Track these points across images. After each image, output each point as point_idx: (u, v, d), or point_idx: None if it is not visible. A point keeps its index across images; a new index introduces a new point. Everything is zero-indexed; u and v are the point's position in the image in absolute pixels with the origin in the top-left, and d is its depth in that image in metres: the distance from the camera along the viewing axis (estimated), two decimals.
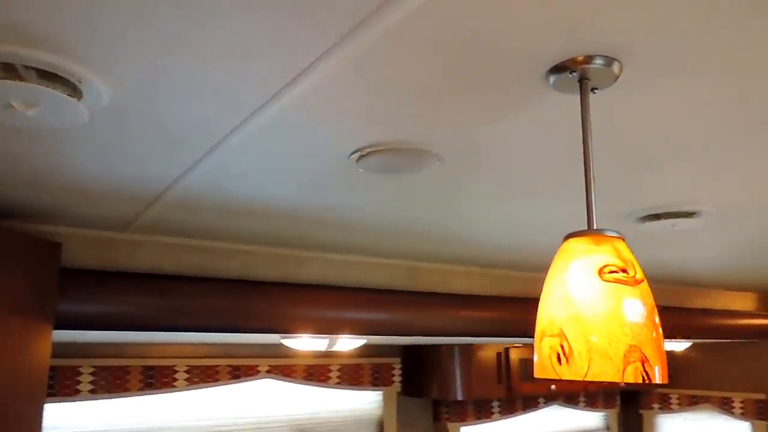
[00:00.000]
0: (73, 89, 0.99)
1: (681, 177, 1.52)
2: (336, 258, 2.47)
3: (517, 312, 2.82)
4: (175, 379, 2.96)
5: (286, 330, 2.23)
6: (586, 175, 0.90)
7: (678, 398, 4.46)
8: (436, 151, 1.30)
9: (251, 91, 1.01)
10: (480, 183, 1.55)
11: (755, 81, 0.99)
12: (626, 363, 0.76)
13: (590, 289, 0.80)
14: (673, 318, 3.46)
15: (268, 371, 3.22)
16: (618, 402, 4.68)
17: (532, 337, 2.90)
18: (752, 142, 1.27)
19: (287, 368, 3.28)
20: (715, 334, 3.66)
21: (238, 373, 3.13)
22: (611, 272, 0.81)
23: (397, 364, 3.69)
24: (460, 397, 3.61)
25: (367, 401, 3.61)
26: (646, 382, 0.77)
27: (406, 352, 3.77)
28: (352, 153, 1.31)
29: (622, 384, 0.71)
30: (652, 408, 4.62)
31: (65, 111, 1.04)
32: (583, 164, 0.90)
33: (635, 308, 0.79)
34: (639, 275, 0.82)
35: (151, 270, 2.08)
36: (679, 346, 3.79)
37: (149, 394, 2.91)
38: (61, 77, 0.96)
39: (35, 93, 0.96)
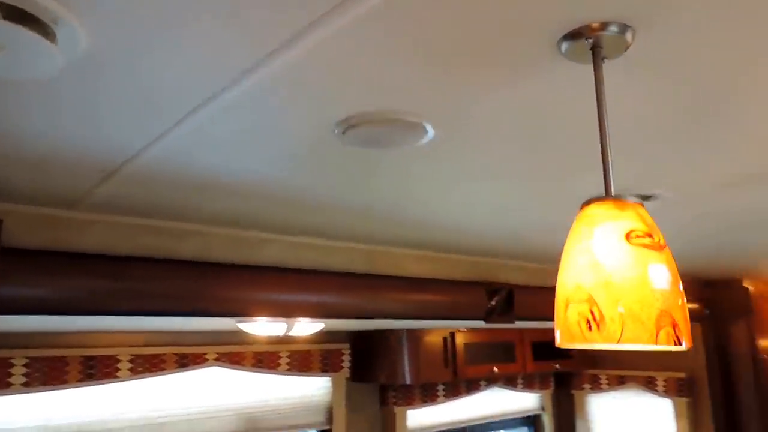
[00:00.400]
0: (45, 31, 0.86)
1: (642, 160, 1.57)
2: (294, 240, 2.40)
3: (470, 295, 2.86)
4: (118, 369, 2.80)
5: (243, 313, 2.15)
6: (602, 142, 0.90)
7: (607, 378, 4.69)
8: (427, 124, 1.28)
9: (241, 50, 0.95)
10: (467, 161, 1.54)
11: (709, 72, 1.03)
12: (659, 327, 0.76)
13: (619, 255, 0.80)
14: None
15: (216, 359, 3.10)
16: (552, 383, 4.87)
17: (483, 320, 2.97)
18: (710, 128, 1.33)
19: (236, 356, 3.18)
20: None
21: (185, 362, 3.00)
22: (638, 237, 0.81)
23: (346, 350, 3.66)
24: (408, 381, 3.63)
25: (316, 387, 3.57)
26: (677, 345, 0.78)
27: (355, 338, 3.75)
28: (339, 123, 1.27)
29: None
30: (583, 388, 4.84)
31: (35, 57, 0.91)
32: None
33: (663, 274, 0.80)
34: (662, 241, 0.83)
35: (101, 252, 1.94)
36: None
37: (90, 385, 2.74)
38: (32, 15, 0.82)
39: (1, 33, 0.83)
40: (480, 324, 3.19)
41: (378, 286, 2.54)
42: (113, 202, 1.83)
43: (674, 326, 0.78)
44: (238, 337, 3.23)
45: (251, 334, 3.25)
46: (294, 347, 3.42)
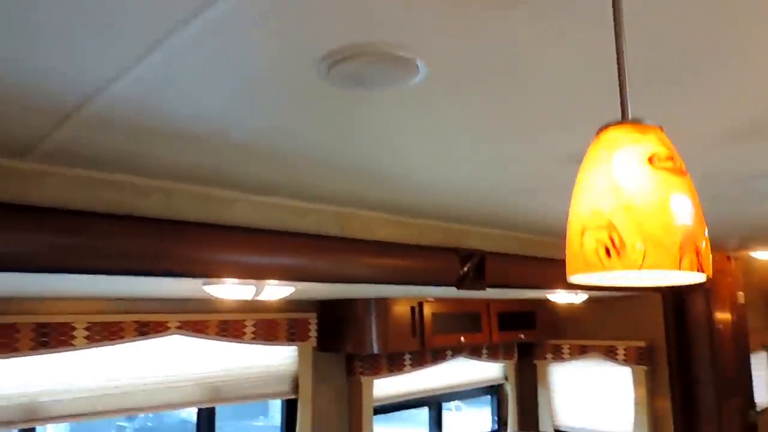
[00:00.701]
0: None
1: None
2: (262, 200, 2.30)
3: (442, 261, 2.82)
4: (74, 337, 2.66)
5: (210, 275, 2.05)
6: (618, 63, 0.85)
7: (569, 348, 4.77)
8: (420, 61, 1.20)
9: None
10: (454, 108, 1.47)
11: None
12: (682, 253, 0.72)
13: (641, 178, 0.75)
14: None
15: (178, 327, 2.99)
16: (516, 353, 4.93)
17: (455, 286, 2.93)
18: (707, 73, 1.30)
19: (200, 324, 3.07)
20: (609, 287, 3.91)
21: (145, 330, 2.88)
22: (660, 161, 0.76)
23: (313, 319, 3.59)
24: (375, 350, 3.59)
25: (282, 357, 3.49)
26: (700, 272, 0.73)
27: (322, 307, 3.68)
28: (326, 57, 1.18)
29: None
30: (546, 358, 4.91)
31: None
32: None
33: (686, 199, 0.75)
34: (684, 166, 0.78)
35: (57, 206, 1.80)
36: (578, 298, 4.02)
37: (43, 353, 2.59)
38: None
39: None
40: (451, 291, 3.16)
41: (350, 250, 2.46)
42: (70, 151, 1.69)
43: (697, 254, 0.73)
44: (202, 304, 3.12)
45: (216, 302, 3.14)
46: (260, 316, 3.32)
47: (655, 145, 0.77)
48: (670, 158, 0.77)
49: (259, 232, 2.21)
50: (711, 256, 0.76)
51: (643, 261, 0.71)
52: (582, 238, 0.77)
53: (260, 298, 2.40)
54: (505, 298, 4.36)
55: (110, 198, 1.91)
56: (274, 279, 2.21)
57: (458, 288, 2.86)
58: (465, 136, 1.70)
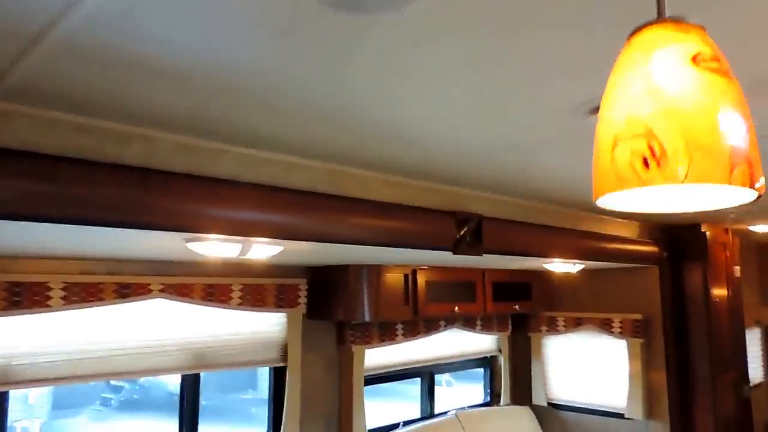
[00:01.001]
0: None
1: None
2: (251, 154, 2.17)
3: (438, 224, 2.71)
4: (49, 298, 2.55)
5: (192, 229, 1.93)
6: None
7: (564, 320, 4.71)
8: None
9: None
10: (459, 44, 1.34)
11: None
12: (733, 164, 0.61)
13: (685, 79, 0.64)
14: (571, 240, 3.55)
15: (161, 290, 2.88)
16: (510, 325, 4.86)
17: (451, 250, 2.83)
18: None
19: (184, 287, 2.96)
20: (606, 257, 3.83)
21: (126, 292, 2.76)
22: (705, 61, 0.65)
23: (302, 285, 3.49)
24: (367, 319, 3.51)
25: (271, 324, 3.40)
26: (752, 188, 0.63)
27: (312, 273, 3.58)
28: None
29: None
30: (540, 330, 4.85)
31: None
32: None
33: (735, 104, 0.64)
34: (730, 70, 0.66)
35: (26, 150, 1.67)
36: (575, 267, 3.94)
37: (16, 314, 2.48)
38: None
39: None
40: (446, 258, 3.06)
41: (342, 209, 2.35)
42: (39, 88, 1.55)
43: (749, 165, 0.62)
44: (187, 267, 3.01)
45: (201, 265, 3.03)
46: (247, 280, 3.22)
47: (698, 44, 0.66)
48: (716, 59, 0.66)
49: (248, 186, 2.08)
50: (761, 168, 0.65)
51: (687, 172, 0.60)
52: (613, 152, 0.66)
53: (247, 257, 2.29)
54: (500, 268, 4.28)
55: (86, 144, 1.78)
56: (262, 236, 2.09)
57: (454, 252, 2.76)
58: (466, 80, 1.57)
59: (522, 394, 4.88)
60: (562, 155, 2.38)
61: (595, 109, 1.80)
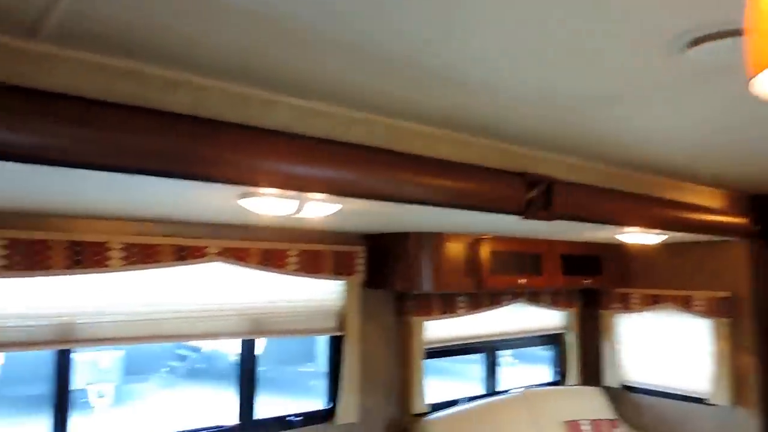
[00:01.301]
0: None
1: None
2: (306, 105, 2.03)
3: (506, 186, 2.50)
4: (109, 258, 2.52)
5: (244, 181, 1.82)
6: None
7: (639, 298, 4.40)
8: None
9: None
10: None
11: None
12: None
13: None
14: (651, 208, 3.25)
15: (218, 254, 2.82)
16: (579, 301, 4.59)
17: (520, 214, 2.63)
18: None
19: (241, 251, 2.89)
20: (691, 229, 3.50)
21: (183, 255, 2.72)
22: None
23: (360, 252, 3.37)
24: (427, 289, 3.35)
25: (328, 291, 3.30)
26: None
27: (370, 241, 3.44)
28: None
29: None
30: (612, 308, 4.56)
31: None
32: None
33: None
34: None
35: (72, 94, 1.59)
36: (653, 239, 3.63)
37: (77, 273, 2.47)
38: None
39: None
40: (512, 224, 2.86)
41: (402, 166, 2.18)
42: (82, 29, 1.46)
43: None
44: (244, 232, 2.94)
45: (258, 230, 2.95)
46: (304, 246, 3.12)
47: None
48: None
49: (303, 138, 1.95)
50: None
51: None
52: None
53: (302, 216, 2.17)
54: (569, 240, 4.01)
55: (131, 90, 1.68)
56: (318, 192, 1.96)
57: (523, 217, 2.55)
58: (538, 13, 1.36)
59: (592, 374, 4.62)
60: (648, 106, 2.12)
61: (696, 41, 1.55)
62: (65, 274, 2.44)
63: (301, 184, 1.94)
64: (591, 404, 4.21)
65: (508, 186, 2.51)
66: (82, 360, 6.11)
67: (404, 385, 3.58)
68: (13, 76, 1.51)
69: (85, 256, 2.47)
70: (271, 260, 2.99)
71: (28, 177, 1.80)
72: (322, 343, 3.57)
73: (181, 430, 2.88)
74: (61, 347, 2.53)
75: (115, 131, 1.58)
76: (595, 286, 4.33)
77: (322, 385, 3.44)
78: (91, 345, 2.60)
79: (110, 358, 7.37)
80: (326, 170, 1.98)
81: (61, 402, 2.57)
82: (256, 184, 1.86)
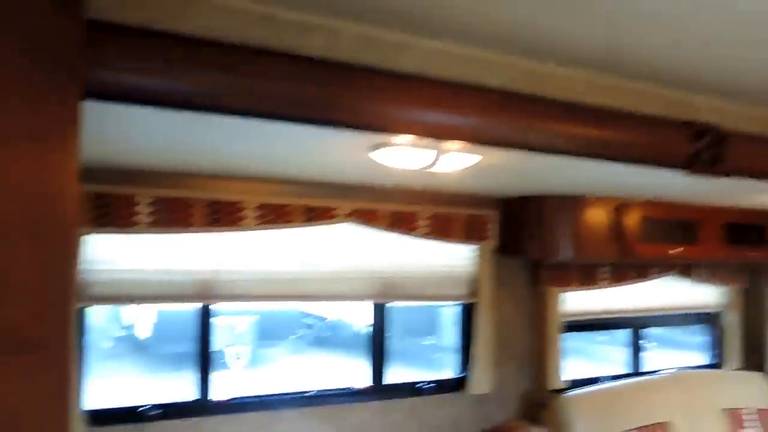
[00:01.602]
0: None
1: None
2: (443, 48, 1.87)
3: (667, 136, 2.19)
4: (243, 217, 2.55)
5: (379, 128, 1.71)
6: None
7: None
8: None
9: None
10: None
11: None
12: None
13: None
14: None
15: (348, 215, 2.77)
16: (743, 277, 4.06)
17: (685, 169, 2.30)
18: None
19: (370, 213, 2.82)
20: None
21: (313, 215, 2.69)
22: None
23: (494, 217, 3.18)
24: (564, 258, 3.09)
25: (460, 257, 3.15)
26: None
27: (505, 205, 3.23)
28: None
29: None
30: None
31: None
32: None
33: None
34: None
35: (208, 39, 1.56)
36: None
37: (214, 231, 2.52)
38: None
39: None
40: (664, 186, 2.52)
41: (549, 113, 1.96)
42: None
43: None
44: (374, 193, 2.85)
45: (387, 191, 2.86)
46: (435, 209, 2.99)
47: None
48: None
49: (443, 83, 1.79)
50: None
51: None
52: None
53: (436, 169, 2.03)
54: (732, 206, 3.52)
55: (265, 35, 1.62)
56: (458, 140, 1.81)
57: (688, 171, 2.22)
58: None
59: (756, 359, 4.08)
60: None
61: None
62: (204, 232, 2.50)
63: (439, 132, 1.79)
64: (756, 392, 3.71)
65: (670, 136, 2.19)
66: (220, 324, 6.52)
67: (540, 358, 3.36)
68: (149, 20, 1.50)
69: (222, 215, 2.51)
70: (401, 223, 2.89)
71: (173, 128, 1.81)
72: (445, 315, 3.45)
73: (317, 389, 2.91)
74: (202, 302, 2.62)
75: (253, 77, 1.54)
76: (762, 260, 3.79)
77: (444, 358, 3.33)
78: (229, 301, 2.66)
79: (245, 323, 7.82)
80: (467, 117, 1.81)
81: (204, 360, 2.68)
82: (391, 131, 1.75)
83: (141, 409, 2.54)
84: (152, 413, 2.54)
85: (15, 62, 1.11)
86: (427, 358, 7.57)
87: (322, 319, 9.09)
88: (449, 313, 3.91)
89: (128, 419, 2.49)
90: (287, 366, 7.96)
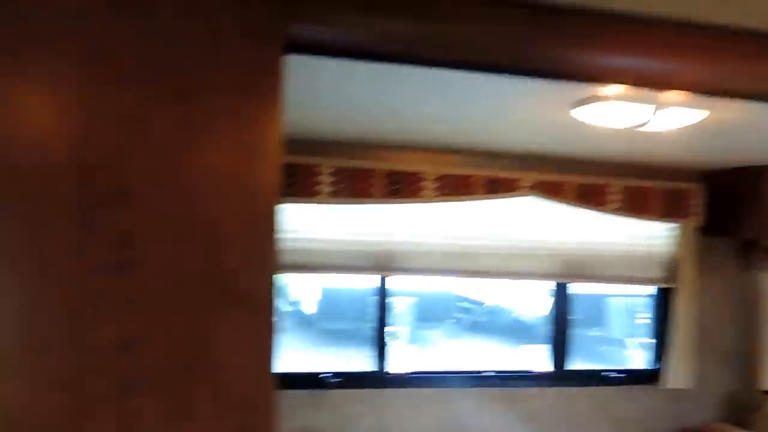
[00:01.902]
0: None
1: None
2: None
3: None
4: (423, 189, 2.48)
5: (587, 76, 1.51)
6: None
7: None
8: None
9: None
10: None
11: None
12: None
13: None
14: None
15: (531, 187, 2.58)
16: None
17: None
18: None
19: (554, 186, 2.61)
20: None
21: (495, 187, 2.55)
22: None
23: (697, 191, 2.79)
24: None
25: (655, 236, 2.82)
26: None
27: (711, 179, 2.82)
28: None
29: None
30: None
31: None
32: None
33: None
34: None
35: None
36: None
37: (394, 202, 2.48)
38: None
39: None
40: None
41: None
42: None
43: None
44: (558, 164, 2.63)
45: (574, 163, 2.62)
46: (628, 182, 2.69)
47: None
48: None
49: (664, 23, 1.55)
50: None
51: None
52: None
53: (651, 128, 1.77)
54: None
55: None
56: (683, 90, 1.55)
57: None
58: None
59: None
60: None
61: None
62: (384, 203, 2.47)
63: (656, 81, 1.55)
64: None
65: None
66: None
67: (750, 354, 2.93)
68: None
69: (402, 186, 2.46)
70: (589, 197, 2.63)
71: (366, 87, 1.77)
72: (613, 305, 3.13)
73: (495, 370, 2.82)
74: (379, 274, 2.60)
75: (448, 23, 1.43)
76: None
77: (611, 351, 3.03)
78: (406, 274, 2.62)
79: (405, 304, 7.90)
80: (693, 63, 1.55)
81: (380, 334, 2.70)
82: (599, 80, 1.54)
83: (322, 375, 2.60)
84: (333, 381, 2.58)
85: (225, 21, 1.12)
86: (591, 350, 7.09)
87: (480, 303, 8.93)
88: (619, 303, 3.61)
89: (310, 385, 2.56)
90: (445, 348, 7.93)
